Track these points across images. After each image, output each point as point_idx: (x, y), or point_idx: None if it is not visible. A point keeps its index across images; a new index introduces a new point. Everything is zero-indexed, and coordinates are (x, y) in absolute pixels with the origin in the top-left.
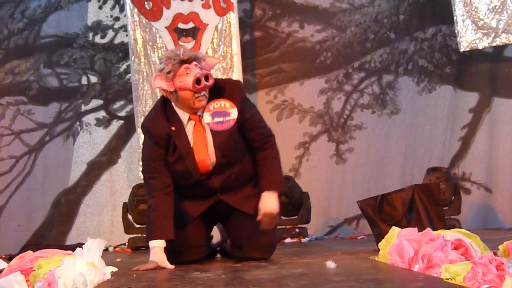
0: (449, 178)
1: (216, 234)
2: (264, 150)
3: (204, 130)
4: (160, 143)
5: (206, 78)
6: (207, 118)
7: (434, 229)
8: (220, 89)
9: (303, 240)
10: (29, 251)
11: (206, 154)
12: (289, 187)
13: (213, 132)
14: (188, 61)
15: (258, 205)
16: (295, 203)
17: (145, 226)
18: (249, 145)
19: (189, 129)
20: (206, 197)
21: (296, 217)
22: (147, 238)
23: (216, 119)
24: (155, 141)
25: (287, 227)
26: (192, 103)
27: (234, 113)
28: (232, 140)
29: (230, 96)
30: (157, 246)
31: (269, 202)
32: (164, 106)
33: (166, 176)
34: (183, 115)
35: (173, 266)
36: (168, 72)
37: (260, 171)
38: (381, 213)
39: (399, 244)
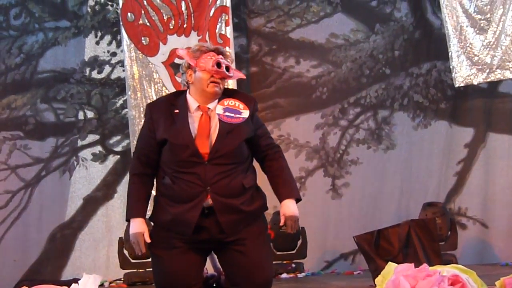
0: (445, 213)
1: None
2: (277, 160)
3: (210, 121)
4: (156, 125)
5: (227, 68)
6: (218, 109)
7: (431, 264)
8: (236, 94)
9: (299, 275)
10: (24, 287)
11: (206, 143)
12: None
13: (220, 122)
14: (216, 51)
15: (280, 211)
16: (294, 236)
17: (141, 261)
18: (260, 155)
19: (196, 116)
20: (196, 194)
21: (293, 252)
22: (128, 215)
23: (227, 113)
24: (151, 122)
25: (284, 262)
26: (206, 85)
27: (245, 113)
28: (236, 138)
29: (245, 102)
30: (138, 218)
31: (291, 206)
32: (176, 94)
33: (150, 165)
34: (193, 103)
35: (149, 240)
36: (195, 51)
37: (275, 180)
38: (378, 248)
39: (395, 280)
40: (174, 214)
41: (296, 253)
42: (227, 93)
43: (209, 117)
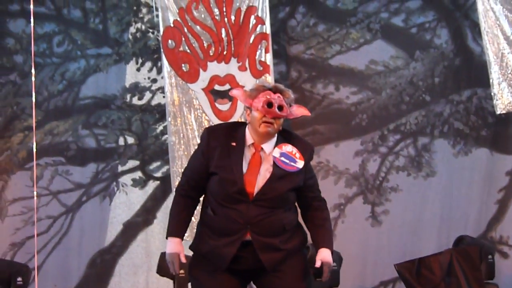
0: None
1: None
2: (323, 211)
3: (261, 162)
4: (211, 154)
5: (280, 107)
6: (276, 152)
7: None
8: (295, 141)
9: None
10: None
11: (254, 183)
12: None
13: (274, 166)
14: (273, 90)
15: (317, 256)
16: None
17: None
18: (304, 204)
19: (247, 153)
20: (236, 230)
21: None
22: (168, 234)
23: (283, 159)
24: (208, 150)
25: None
26: (258, 125)
27: (300, 164)
28: (286, 185)
29: (303, 151)
30: (176, 238)
31: (328, 255)
32: (236, 125)
33: (197, 190)
34: (249, 139)
35: (185, 260)
36: (252, 90)
37: (317, 229)
38: (419, 277)
39: None
40: (212, 246)
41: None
42: (285, 136)
43: (260, 157)
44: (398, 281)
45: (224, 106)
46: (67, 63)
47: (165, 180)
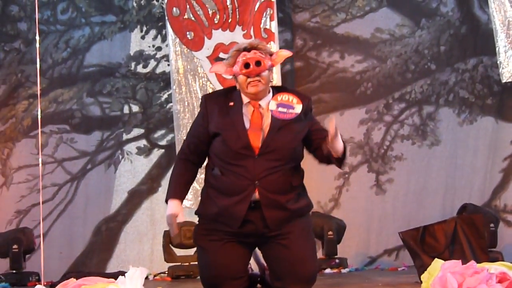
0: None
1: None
2: None
3: (262, 117)
4: (210, 117)
5: (258, 63)
6: (272, 105)
7: (478, 261)
8: (291, 91)
9: (343, 271)
10: (72, 278)
11: (258, 137)
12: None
13: (272, 118)
14: (247, 48)
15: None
16: (340, 238)
17: (186, 255)
18: (314, 146)
19: (247, 111)
20: (244, 187)
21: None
22: (167, 196)
23: (280, 109)
24: (206, 113)
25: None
26: (246, 88)
27: (298, 108)
28: (287, 134)
29: (300, 97)
30: (174, 200)
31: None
32: (232, 88)
33: (197, 154)
34: (245, 99)
35: (183, 220)
36: (228, 58)
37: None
38: (424, 244)
39: (442, 277)
40: (221, 206)
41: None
42: (281, 90)
43: (260, 113)
44: (403, 249)
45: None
46: (72, 30)
47: (170, 148)
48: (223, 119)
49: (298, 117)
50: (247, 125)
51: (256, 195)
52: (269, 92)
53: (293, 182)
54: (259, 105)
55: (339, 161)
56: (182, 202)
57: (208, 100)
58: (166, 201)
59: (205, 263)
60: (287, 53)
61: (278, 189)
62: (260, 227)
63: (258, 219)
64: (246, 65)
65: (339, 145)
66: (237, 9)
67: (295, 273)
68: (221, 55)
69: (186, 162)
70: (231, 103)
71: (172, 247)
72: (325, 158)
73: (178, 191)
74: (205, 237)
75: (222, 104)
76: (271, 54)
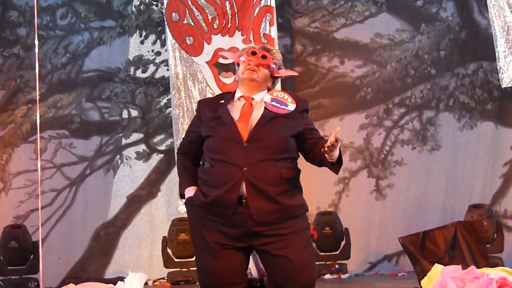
0: (491, 215)
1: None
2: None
3: (252, 110)
4: (202, 116)
5: (264, 56)
6: (266, 98)
7: (478, 267)
8: (288, 92)
9: (343, 276)
10: (71, 283)
11: (246, 127)
12: (332, 220)
13: (265, 110)
14: (260, 47)
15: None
16: (337, 236)
17: (184, 260)
18: (311, 145)
19: (239, 104)
20: (232, 174)
21: (336, 252)
22: (181, 190)
23: (274, 103)
24: (199, 113)
25: (327, 263)
26: (243, 73)
27: (291, 107)
28: (277, 126)
29: (295, 98)
30: (191, 186)
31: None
32: (225, 93)
33: (195, 145)
34: (238, 94)
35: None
36: (240, 51)
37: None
38: (424, 250)
39: (442, 282)
40: (214, 196)
41: (339, 254)
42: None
43: (251, 105)
44: (403, 254)
45: (228, 79)
46: (71, 35)
47: (169, 153)
48: (213, 114)
49: (292, 113)
50: (236, 116)
51: (244, 188)
52: (265, 91)
53: (283, 174)
54: (252, 98)
55: (332, 164)
56: (198, 186)
57: (202, 103)
58: (181, 196)
59: (203, 270)
60: (293, 72)
61: (266, 177)
62: (251, 224)
63: (247, 213)
64: (253, 53)
65: (335, 151)
66: (236, 14)
67: (295, 281)
68: (221, 60)
69: (188, 153)
70: (222, 101)
71: (170, 252)
72: (317, 158)
73: (190, 180)
74: (202, 243)
75: (213, 104)
76: (279, 67)
